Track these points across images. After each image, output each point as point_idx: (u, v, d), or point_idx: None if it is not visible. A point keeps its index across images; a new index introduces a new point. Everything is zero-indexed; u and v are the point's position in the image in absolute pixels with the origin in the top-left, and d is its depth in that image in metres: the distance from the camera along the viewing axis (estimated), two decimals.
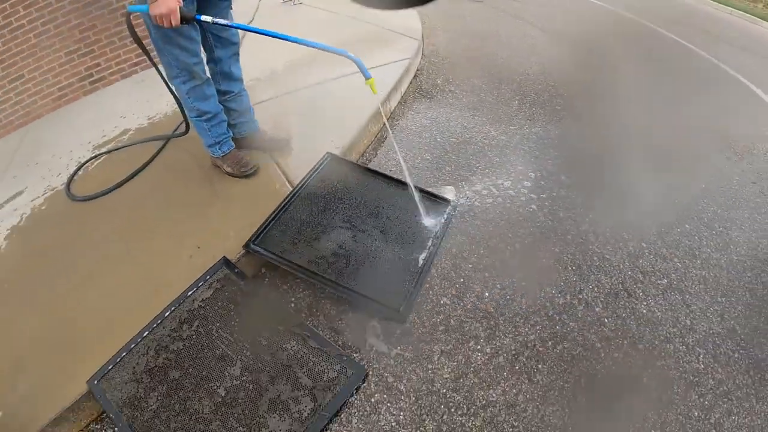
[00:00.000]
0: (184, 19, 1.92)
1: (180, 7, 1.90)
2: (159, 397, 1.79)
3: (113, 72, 4.34)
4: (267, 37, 2.07)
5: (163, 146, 3.09)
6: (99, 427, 1.83)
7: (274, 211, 2.31)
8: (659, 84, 4.39)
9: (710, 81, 4.92)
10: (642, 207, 2.69)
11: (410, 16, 4.71)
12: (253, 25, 4.68)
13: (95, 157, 3.21)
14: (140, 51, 4.25)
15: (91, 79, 4.27)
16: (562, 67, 4.30)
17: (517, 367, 1.86)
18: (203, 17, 1.98)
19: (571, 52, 4.76)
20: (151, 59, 2.32)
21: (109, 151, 3.22)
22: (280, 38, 2.03)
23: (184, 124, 2.78)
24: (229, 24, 2.06)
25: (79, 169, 3.11)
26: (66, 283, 2.32)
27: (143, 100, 3.84)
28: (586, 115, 3.53)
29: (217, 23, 2.01)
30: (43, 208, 2.87)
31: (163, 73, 2.37)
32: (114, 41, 4.21)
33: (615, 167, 2.97)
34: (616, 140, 3.25)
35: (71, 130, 3.72)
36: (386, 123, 2.25)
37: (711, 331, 2.09)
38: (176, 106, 2.52)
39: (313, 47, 2.04)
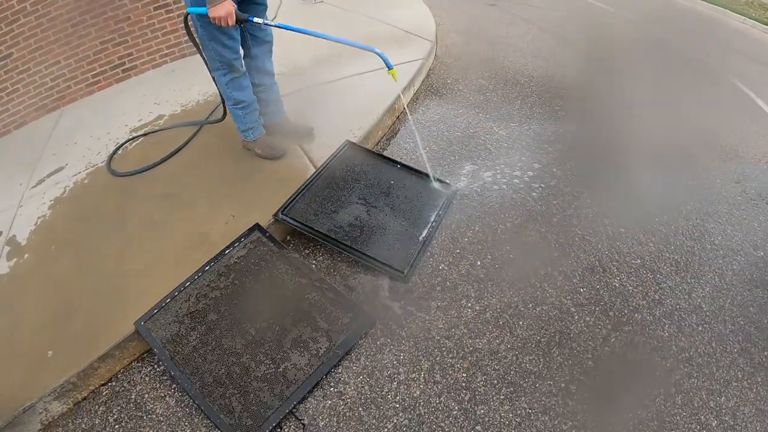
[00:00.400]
0: (238, 21, 2.27)
1: (235, 10, 2.25)
2: (198, 336, 2.13)
3: (145, 62, 4.59)
4: (303, 35, 2.40)
5: (198, 131, 3.41)
6: (139, 365, 2.18)
7: (299, 188, 2.66)
8: (658, 89, 4.62)
9: (710, 88, 5.15)
10: (625, 198, 2.99)
11: (425, 18, 5.01)
12: (277, 21, 5.08)
13: (133, 138, 3.50)
14: (171, 43, 4.63)
15: (124, 68, 4.52)
16: (564, 71, 4.59)
17: (501, 323, 2.19)
18: (255, 19, 2.32)
19: (576, 56, 5.03)
20: (202, 54, 2.66)
21: (146, 134, 3.52)
22: (320, 37, 2.40)
23: (219, 111, 3.14)
24: (276, 24, 2.41)
25: (118, 148, 3.40)
26: (113, 244, 2.63)
27: (175, 89, 4.14)
28: (583, 116, 3.82)
29: (267, 24, 2.37)
30: (86, 181, 3.17)
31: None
32: (146, 33, 4.46)
33: (604, 162, 3.27)
34: (609, 138, 3.54)
35: (107, 113, 4.00)
36: (406, 108, 2.67)
37: (678, 306, 2.37)
38: (210, 95, 2.86)
39: (347, 44, 2.44)
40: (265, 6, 2.66)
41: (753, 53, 6.94)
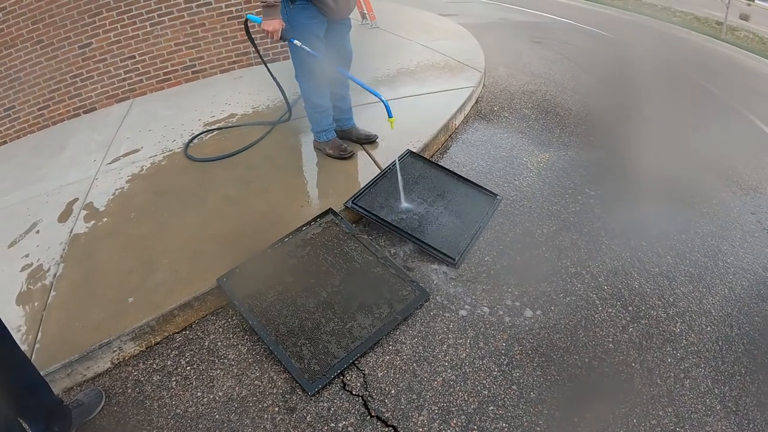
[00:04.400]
0: (282, 38, 2.77)
1: (282, 29, 2.74)
2: (275, 294, 2.48)
3: (213, 66, 5.08)
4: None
5: (271, 129, 3.84)
6: (214, 318, 2.51)
7: (366, 184, 3.08)
8: (686, 127, 5.00)
9: (735, 128, 5.48)
10: (648, 218, 3.33)
11: (476, 51, 5.50)
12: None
13: (208, 131, 3.89)
14: (240, 52, 5.23)
15: (194, 69, 5.00)
16: (600, 106, 5.01)
17: (535, 306, 2.57)
18: (295, 41, 2.78)
19: (611, 94, 5.46)
20: (261, 56, 3.24)
21: (220, 128, 3.93)
22: (342, 73, 3.02)
23: (287, 114, 3.69)
24: (309, 50, 2.80)
25: (194, 138, 3.77)
26: (192, 215, 2.93)
27: (245, 92, 4.58)
28: (615, 147, 4.22)
29: (303, 48, 2.78)
30: (163, 163, 3.50)
31: (272, 70, 3.28)
32: (218, 40, 4.95)
33: (632, 188, 3.64)
34: (637, 168, 3.91)
35: (179, 107, 4.39)
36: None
37: (689, 309, 2.67)
38: (279, 101, 3.57)
39: (361, 86, 2.90)
40: (349, 27, 3.13)
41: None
